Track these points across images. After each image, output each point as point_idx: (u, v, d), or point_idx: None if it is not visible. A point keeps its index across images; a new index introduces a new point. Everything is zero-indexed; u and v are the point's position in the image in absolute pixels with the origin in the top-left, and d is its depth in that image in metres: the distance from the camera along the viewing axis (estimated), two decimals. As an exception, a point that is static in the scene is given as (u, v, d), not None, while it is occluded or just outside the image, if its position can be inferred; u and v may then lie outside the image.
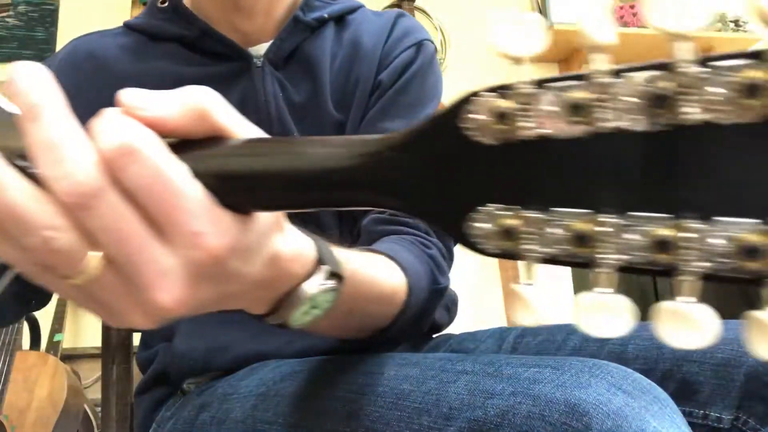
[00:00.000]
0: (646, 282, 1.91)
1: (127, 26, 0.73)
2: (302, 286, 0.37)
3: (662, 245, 0.21)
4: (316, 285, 0.38)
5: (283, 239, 0.34)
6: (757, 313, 0.21)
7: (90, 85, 0.66)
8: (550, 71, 2.71)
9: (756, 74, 0.19)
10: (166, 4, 0.70)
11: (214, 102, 0.29)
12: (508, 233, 0.23)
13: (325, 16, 0.71)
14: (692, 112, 0.19)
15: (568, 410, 0.35)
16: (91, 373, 2.10)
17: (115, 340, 0.87)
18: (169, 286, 0.26)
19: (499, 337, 0.71)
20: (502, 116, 0.23)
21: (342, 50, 0.71)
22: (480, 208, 0.24)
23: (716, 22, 2.75)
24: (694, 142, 0.20)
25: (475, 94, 0.23)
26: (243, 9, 0.68)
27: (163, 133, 0.28)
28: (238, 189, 0.28)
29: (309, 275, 0.38)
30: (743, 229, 0.20)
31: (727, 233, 0.20)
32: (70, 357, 2.08)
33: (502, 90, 0.23)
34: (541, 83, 0.22)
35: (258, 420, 0.51)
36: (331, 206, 0.31)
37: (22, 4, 2.38)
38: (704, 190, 0.20)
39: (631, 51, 2.66)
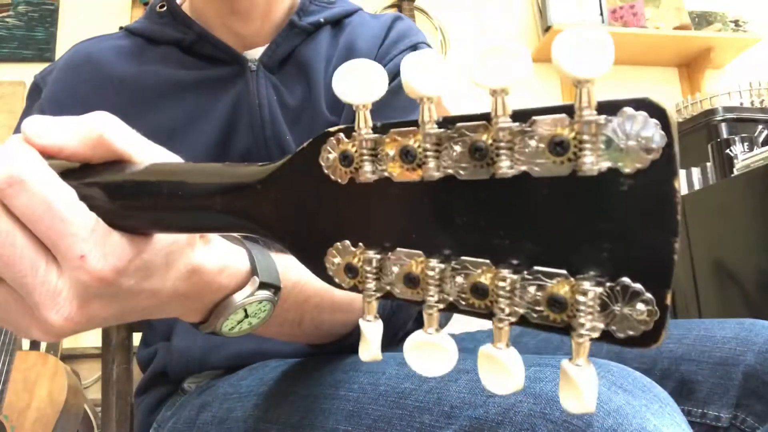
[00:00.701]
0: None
1: (127, 30, 0.73)
2: (231, 297, 0.38)
3: (480, 291, 0.22)
4: (245, 295, 0.38)
5: (206, 252, 0.34)
6: (565, 364, 0.21)
7: (88, 87, 0.67)
8: (551, 71, 2.71)
9: (563, 131, 0.19)
10: (164, 9, 0.71)
11: (111, 128, 0.29)
12: (352, 270, 0.24)
13: (321, 20, 0.72)
14: (505, 165, 0.20)
15: None
16: (91, 373, 2.10)
17: (115, 340, 0.87)
18: (59, 306, 0.27)
19: None
20: (346, 158, 0.24)
21: (337, 53, 0.71)
22: (337, 243, 0.25)
23: (716, 22, 2.75)
24: (510, 192, 0.21)
25: (328, 134, 0.25)
26: (240, 13, 0.68)
27: (61, 158, 0.29)
28: (131, 210, 0.29)
29: (240, 286, 0.38)
30: (553, 279, 0.20)
31: (538, 283, 0.21)
32: (70, 357, 2.08)
33: (347, 132, 0.24)
34: (378, 129, 0.23)
35: (259, 419, 0.51)
36: (212, 231, 0.33)
37: (22, 4, 2.38)
38: (520, 240, 0.21)
39: (631, 51, 2.66)
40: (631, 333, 0.20)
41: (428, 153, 0.22)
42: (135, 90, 0.67)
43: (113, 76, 0.67)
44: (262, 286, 0.39)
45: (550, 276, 0.20)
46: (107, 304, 0.30)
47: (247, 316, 0.40)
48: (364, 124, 0.23)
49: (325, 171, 0.25)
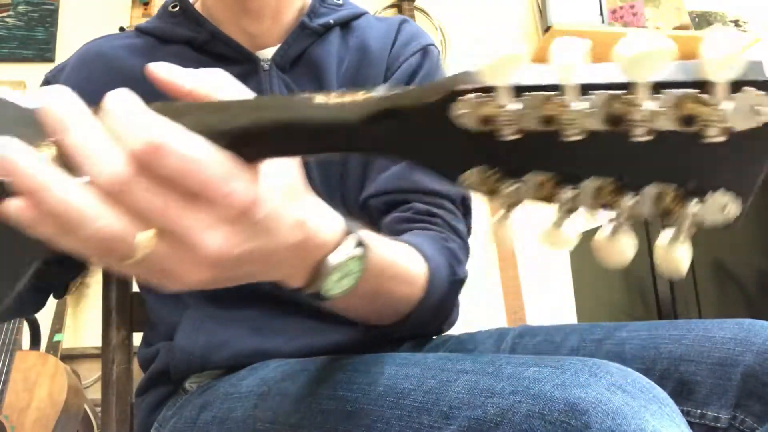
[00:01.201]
0: (646, 282, 1.91)
1: (138, 29, 0.74)
2: (331, 255, 0.41)
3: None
4: (345, 252, 0.41)
5: (309, 207, 0.37)
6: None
7: (100, 82, 0.68)
8: (550, 71, 2.71)
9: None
10: (177, 9, 0.72)
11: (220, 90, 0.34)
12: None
13: (331, 21, 0.73)
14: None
15: (567, 409, 0.36)
16: (91, 373, 2.10)
17: (115, 340, 0.87)
18: (214, 239, 0.31)
19: (497, 338, 0.71)
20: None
21: (349, 55, 0.73)
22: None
23: (716, 23, 2.75)
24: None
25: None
26: (251, 12, 0.69)
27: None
28: (250, 142, 0.31)
29: (337, 245, 0.41)
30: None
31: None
32: (70, 357, 2.08)
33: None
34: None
35: (259, 419, 0.52)
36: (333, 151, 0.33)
37: (22, 4, 2.38)
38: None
39: (630, 51, 2.66)
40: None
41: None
42: (149, 86, 0.67)
43: (125, 72, 0.68)
44: (357, 244, 0.43)
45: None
46: (249, 239, 0.32)
47: (343, 277, 0.43)
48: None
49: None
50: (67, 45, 2.38)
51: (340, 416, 0.46)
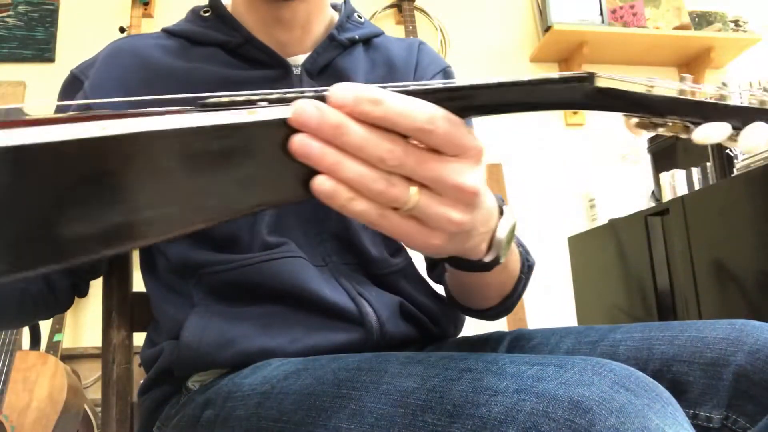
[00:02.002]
0: (646, 282, 1.91)
1: (167, 32, 0.76)
2: (503, 219, 0.49)
3: None
4: (510, 218, 0.50)
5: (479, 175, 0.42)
6: None
7: (135, 78, 0.70)
8: (551, 71, 2.71)
9: None
10: (209, 13, 0.75)
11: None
12: None
13: (357, 37, 0.78)
14: None
15: (571, 407, 0.36)
16: (91, 373, 2.10)
17: (115, 340, 0.87)
18: (471, 177, 0.38)
19: (495, 342, 0.72)
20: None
21: (377, 68, 0.79)
22: None
23: (716, 22, 2.75)
24: None
25: None
26: (283, 22, 0.73)
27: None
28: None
29: (500, 214, 0.49)
30: None
31: None
32: (70, 357, 2.08)
33: None
34: None
35: (262, 418, 0.52)
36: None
37: (22, 4, 2.38)
38: None
39: (631, 51, 2.67)
40: None
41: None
42: (184, 83, 0.70)
43: (161, 69, 0.70)
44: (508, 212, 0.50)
45: None
46: (483, 184, 0.40)
47: (508, 242, 0.51)
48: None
49: None
50: (67, 45, 2.39)
51: (344, 415, 0.46)
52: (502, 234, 0.49)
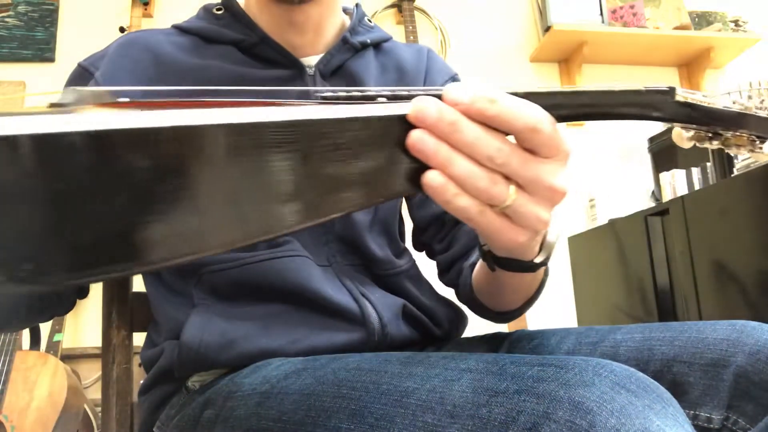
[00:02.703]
0: (646, 282, 1.91)
1: (179, 28, 0.76)
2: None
3: None
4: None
5: None
6: None
7: (147, 73, 0.70)
8: (551, 71, 2.71)
9: None
10: (222, 11, 0.76)
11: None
12: None
13: (368, 41, 0.80)
14: None
15: (572, 408, 0.35)
16: (91, 373, 2.10)
17: (115, 340, 0.87)
18: (562, 179, 0.40)
19: (494, 343, 0.72)
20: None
21: (388, 72, 0.81)
22: None
23: (716, 22, 2.75)
24: None
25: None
26: (296, 24, 0.74)
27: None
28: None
29: None
30: None
31: None
32: (70, 357, 2.08)
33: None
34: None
35: (262, 418, 0.51)
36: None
37: (22, 4, 2.38)
38: None
39: (631, 51, 2.67)
40: None
41: None
42: (200, 80, 0.70)
43: (174, 66, 0.71)
44: None
45: None
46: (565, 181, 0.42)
47: (554, 245, 0.53)
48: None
49: None
50: (67, 45, 2.39)
51: (344, 415, 0.46)
52: (553, 237, 0.52)
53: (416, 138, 0.36)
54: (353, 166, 0.34)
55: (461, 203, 0.38)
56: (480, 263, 0.70)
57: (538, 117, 0.38)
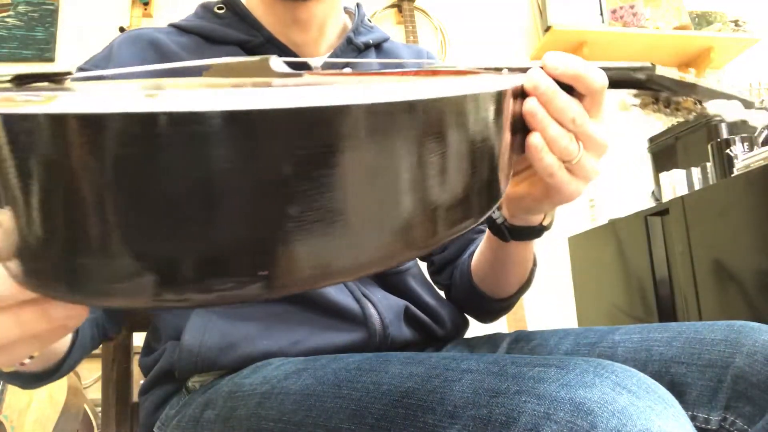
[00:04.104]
0: (646, 282, 1.91)
1: (178, 27, 0.75)
2: None
3: None
4: None
5: None
6: None
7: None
8: (550, 71, 2.71)
9: None
10: (224, 11, 0.75)
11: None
12: None
13: (371, 41, 0.81)
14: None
15: (573, 409, 0.35)
16: (91, 373, 2.10)
17: (115, 340, 0.87)
18: (606, 135, 0.46)
19: (493, 343, 0.72)
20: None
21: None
22: None
23: (716, 22, 2.75)
24: None
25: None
26: (300, 23, 0.74)
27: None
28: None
29: None
30: None
31: None
32: (70, 357, 2.07)
33: None
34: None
35: (262, 418, 0.51)
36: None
37: (22, 4, 2.38)
38: None
39: (631, 51, 2.67)
40: None
41: None
42: None
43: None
44: None
45: None
46: None
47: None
48: None
49: None
50: (67, 45, 2.38)
51: (344, 415, 0.46)
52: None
53: (532, 106, 0.41)
54: (488, 149, 0.30)
55: (548, 160, 0.43)
56: (482, 246, 0.73)
57: (605, 80, 0.44)
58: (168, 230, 0.20)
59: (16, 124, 0.20)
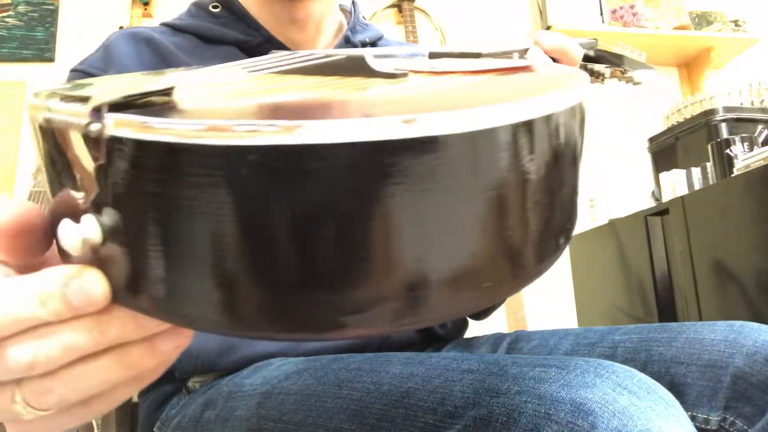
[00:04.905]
0: (646, 282, 1.91)
1: (171, 27, 0.74)
2: None
3: None
4: None
5: None
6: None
7: (153, 69, 0.68)
8: (550, 71, 2.71)
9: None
10: (219, 9, 0.74)
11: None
12: None
13: (367, 40, 0.81)
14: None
15: (573, 409, 0.35)
16: (91, 373, 2.10)
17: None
18: None
19: (493, 343, 0.72)
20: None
21: None
22: None
23: (716, 22, 2.75)
24: None
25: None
26: (298, 21, 0.73)
27: None
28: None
29: None
30: None
31: None
32: (70, 357, 2.07)
33: None
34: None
35: (262, 418, 0.51)
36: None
37: (22, 4, 2.38)
38: None
39: (630, 51, 2.66)
40: None
41: None
42: None
43: (178, 66, 0.68)
44: None
45: None
46: None
47: None
48: None
49: None
50: (67, 45, 2.38)
51: (344, 415, 0.46)
52: None
53: None
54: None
55: None
56: None
57: (582, 52, 0.54)
58: (435, 251, 0.20)
59: (240, 156, 0.18)
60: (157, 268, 0.20)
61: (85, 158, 0.21)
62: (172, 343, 0.24)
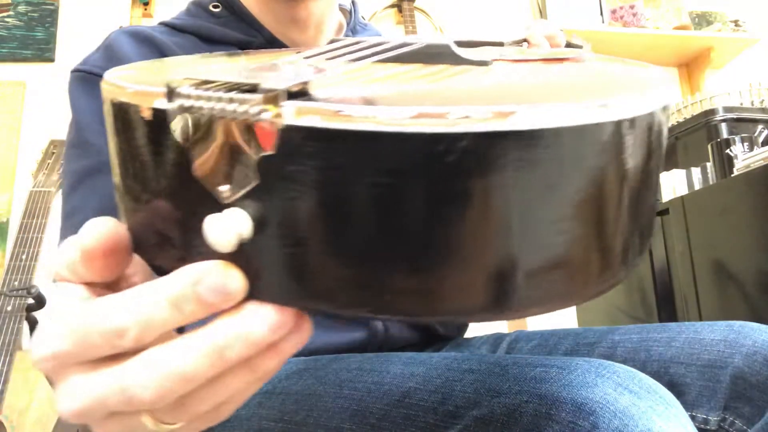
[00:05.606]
0: (646, 282, 1.91)
1: (171, 26, 0.74)
2: None
3: None
4: None
5: None
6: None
7: None
8: (550, 71, 2.71)
9: None
10: (220, 9, 0.73)
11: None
12: None
13: None
14: None
15: (575, 409, 0.36)
16: (91, 373, 2.10)
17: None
18: None
19: (493, 343, 0.72)
20: None
21: None
22: None
23: (716, 23, 2.75)
24: None
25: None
26: (299, 22, 0.73)
27: None
28: None
29: None
30: None
31: None
32: (70, 357, 2.07)
33: None
34: None
35: (263, 418, 0.51)
36: None
37: (22, 4, 2.38)
38: None
39: (630, 51, 2.67)
40: None
41: None
42: None
43: None
44: None
45: None
46: None
47: None
48: None
49: None
50: (67, 45, 2.38)
51: (345, 415, 0.46)
52: None
53: None
54: None
55: None
56: None
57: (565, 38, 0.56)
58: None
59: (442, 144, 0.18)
60: (335, 262, 0.20)
61: (244, 149, 0.20)
62: (294, 342, 0.24)
